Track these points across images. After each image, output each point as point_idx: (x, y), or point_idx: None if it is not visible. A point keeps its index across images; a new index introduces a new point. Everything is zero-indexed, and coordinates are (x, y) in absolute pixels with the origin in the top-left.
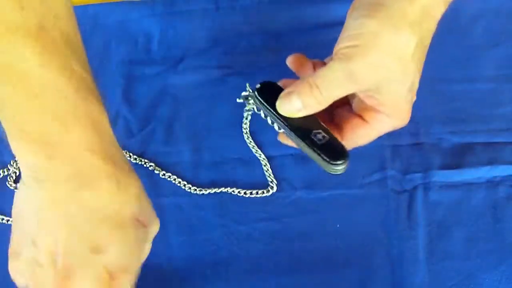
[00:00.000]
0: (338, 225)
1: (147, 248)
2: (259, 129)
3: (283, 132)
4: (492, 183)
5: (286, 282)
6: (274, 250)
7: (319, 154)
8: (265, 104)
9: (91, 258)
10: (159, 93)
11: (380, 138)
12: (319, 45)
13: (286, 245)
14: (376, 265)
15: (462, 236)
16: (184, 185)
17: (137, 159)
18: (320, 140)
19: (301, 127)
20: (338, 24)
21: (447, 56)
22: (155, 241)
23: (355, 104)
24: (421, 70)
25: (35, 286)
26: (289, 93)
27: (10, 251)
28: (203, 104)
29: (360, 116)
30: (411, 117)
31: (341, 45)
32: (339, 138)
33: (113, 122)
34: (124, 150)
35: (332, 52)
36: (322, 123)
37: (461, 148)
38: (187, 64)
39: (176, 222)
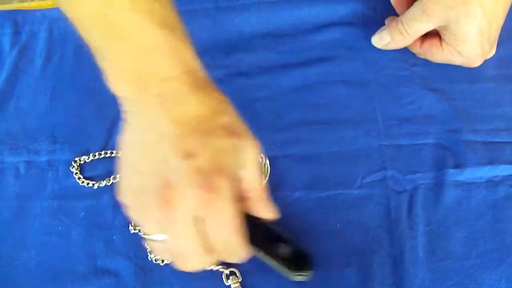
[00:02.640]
0: (338, 225)
1: (248, 159)
2: (259, 129)
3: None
4: (492, 183)
5: (286, 282)
6: None
7: (284, 266)
8: None
9: (184, 164)
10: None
11: (380, 138)
12: (319, 45)
13: None
14: (376, 265)
15: (462, 236)
16: None
17: None
18: (284, 252)
19: (264, 240)
20: (338, 24)
21: None
22: None
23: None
24: (498, 20)
25: (142, 208)
26: (381, 30)
27: (118, 183)
28: None
29: (440, 40)
30: (410, 117)
31: None
32: (417, 48)
33: (114, 122)
34: None
35: (332, 53)
36: (285, 234)
37: (461, 147)
38: None
39: None
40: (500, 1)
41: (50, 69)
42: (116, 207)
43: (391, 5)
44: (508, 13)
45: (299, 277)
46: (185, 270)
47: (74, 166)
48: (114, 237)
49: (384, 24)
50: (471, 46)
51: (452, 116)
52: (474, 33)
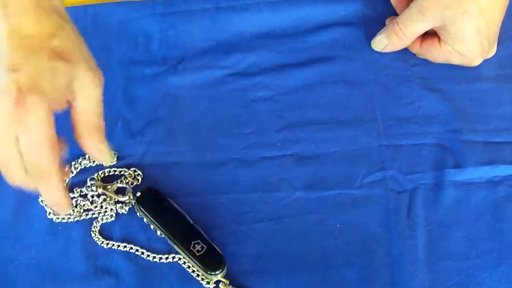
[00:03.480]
0: (338, 225)
1: (76, 87)
2: (259, 129)
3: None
4: (492, 183)
5: (286, 282)
6: (274, 250)
7: (197, 264)
8: (146, 213)
9: (5, 76)
10: (159, 93)
11: (380, 138)
12: (319, 45)
13: (286, 245)
14: (376, 265)
15: (462, 236)
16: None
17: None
18: (198, 251)
19: (181, 237)
20: (338, 24)
21: None
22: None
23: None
24: (496, 18)
25: None
26: (379, 33)
27: None
28: (203, 104)
29: (439, 40)
30: (410, 117)
31: None
32: (417, 48)
33: (113, 122)
34: (124, 150)
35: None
36: (202, 233)
37: (461, 148)
38: (187, 64)
39: None
40: None
41: None
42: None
43: (391, 5)
44: (507, 14)
45: (212, 276)
46: (13, 184)
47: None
48: (114, 237)
49: (384, 25)
50: (469, 45)
51: (452, 116)
52: (471, 32)
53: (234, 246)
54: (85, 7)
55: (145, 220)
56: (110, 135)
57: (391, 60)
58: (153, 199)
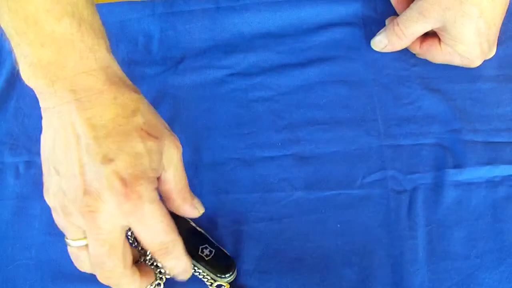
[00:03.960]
0: (338, 225)
1: (167, 160)
2: (259, 129)
3: None
4: (492, 183)
5: (286, 282)
6: (274, 250)
7: (208, 269)
8: None
9: (102, 169)
10: (159, 93)
11: (380, 138)
12: (319, 45)
13: (286, 245)
14: (376, 265)
15: (462, 236)
16: None
17: None
18: (207, 255)
19: (187, 244)
20: (338, 24)
21: None
22: None
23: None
24: (496, 19)
25: (64, 212)
26: (379, 32)
27: (44, 185)
28: (203, 104)
29: (439, 41)
30: (410, 117)
31: None
32: (416, 49)
33: None
34: None
35: (332, 53)
36: (208, 236)
37: (461, 147)
38: (187, 64)
39: None
40: (497, 0)
41: None
42: None
43: (391, 5)
44: (507, 14)
45: (223, 279)
46: (106, 283)
47: None
48: None
49: (384, 25)
50: (469, 47)
51: (452, 116)
52: (471, 33)
53: (234, 246)
54: None
55: None
56: None
57: (391, 60)
58: None
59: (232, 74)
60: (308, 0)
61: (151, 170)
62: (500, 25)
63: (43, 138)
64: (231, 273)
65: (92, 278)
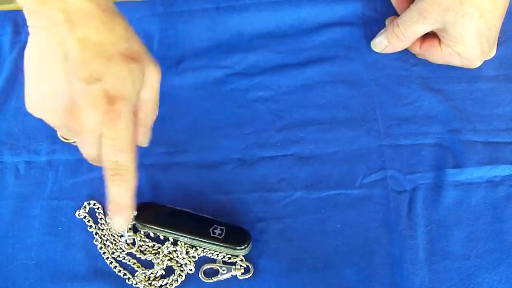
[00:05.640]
0: (338, 225)
1: (147, 81)
2: (259, 129)
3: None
4: (492, 183)
5: (286, 282)
6: (274, 250)
7: (224, 246)
8: (150, 226)
9: (89, 88)
10: (159, 93)
11: (380, 138)
12: (319, 45)
13: (286, 245)
14: (376, 265)
15: (462, 236)
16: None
17: None
18: (220, 234)
19: (197, 231)
20: (338, 24)
21: None
22: None
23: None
24: (496, 20)
25: (48, 121)
26: (379, 33)
27: (26, 102)
28: (203, 104)
29: (439, 41)
30: (410, 117)
31: None
32: (416, 49)
33: None
34: None
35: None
36: (213, 218)
37: (461, 147)
38: (187, 64)
39: None
40: (497, 1)
41: None
42: None
43: (391, 5)
44: (507, 14)
45: (243, 250)
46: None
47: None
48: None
49: (384, 25)
50: (469, 47)
51: (452, 116)
52: (471, 34)
53: None
54: None
55: (152, 234)
56: None
57: (391, 60)
58: (151, 211)
59: (232, 74)
60: (308, 0)
61: (133, 91)
62: (500, 26)
63: (27, 53)
64: (247, 243)
65: (92, 278)
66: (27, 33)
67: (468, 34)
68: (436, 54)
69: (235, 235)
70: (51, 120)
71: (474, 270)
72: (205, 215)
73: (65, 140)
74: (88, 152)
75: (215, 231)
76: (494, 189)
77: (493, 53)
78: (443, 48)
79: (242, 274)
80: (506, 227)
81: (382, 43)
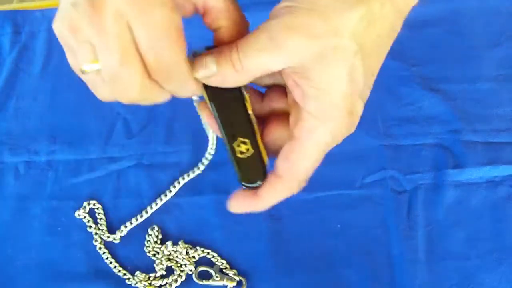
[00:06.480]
0: (338, 225)
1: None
2: None
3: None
4: (492, 183)
5: (286, 282)
6: (274, 250)
7: (235, 167)
8: (213, 96)
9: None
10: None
11: (380, 138)
12: None
13: (286, 245)
14: (376, 265)
15: (462, 236)
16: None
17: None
18: (242, 152)
19: (230, 128)
20: None
21: (447, 56)
22: None
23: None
24: (377, 63)
25: (73, 29)
26: (209, 53)
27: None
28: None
29: (292, 136)
30: (411, 117)
31: (277, 6)
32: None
33: (113, 123)
34: (124, 150)
35: None
36: (259, 136)
37: (461, 148)
38: None
39: (176, 222)
40: (382, 37)
41: (50, 69)
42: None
43: None
44: (506, 13)
45: (246, 187)
46: (130, 101)
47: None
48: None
49: None
50: (333, 101)
51: (452, 116)
52: (341, 77)
53: (234, 246)
54: None
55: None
56: (110, 135)
57: (391, 60)
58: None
59: None
60: None
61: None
62: (377, 72)
63: None
64: (259, 182)
65: (92, 278)
66: (27, 33)
67: (336, 78)
68: (296, 152)
69: (254, 168)
70: (74, 26)
71: (474, 270)
72: (254, 120)
73: (85, 70)
74: (114, 66)
75: (242, 145)
76: (494, 189)
77: (357, 121)
78: (299, 130)
79: (234, 287)
80: (506, 227)
81: (209, 67)
